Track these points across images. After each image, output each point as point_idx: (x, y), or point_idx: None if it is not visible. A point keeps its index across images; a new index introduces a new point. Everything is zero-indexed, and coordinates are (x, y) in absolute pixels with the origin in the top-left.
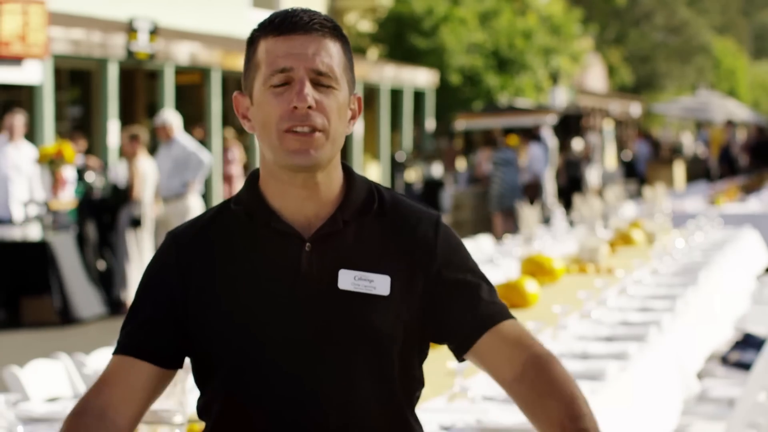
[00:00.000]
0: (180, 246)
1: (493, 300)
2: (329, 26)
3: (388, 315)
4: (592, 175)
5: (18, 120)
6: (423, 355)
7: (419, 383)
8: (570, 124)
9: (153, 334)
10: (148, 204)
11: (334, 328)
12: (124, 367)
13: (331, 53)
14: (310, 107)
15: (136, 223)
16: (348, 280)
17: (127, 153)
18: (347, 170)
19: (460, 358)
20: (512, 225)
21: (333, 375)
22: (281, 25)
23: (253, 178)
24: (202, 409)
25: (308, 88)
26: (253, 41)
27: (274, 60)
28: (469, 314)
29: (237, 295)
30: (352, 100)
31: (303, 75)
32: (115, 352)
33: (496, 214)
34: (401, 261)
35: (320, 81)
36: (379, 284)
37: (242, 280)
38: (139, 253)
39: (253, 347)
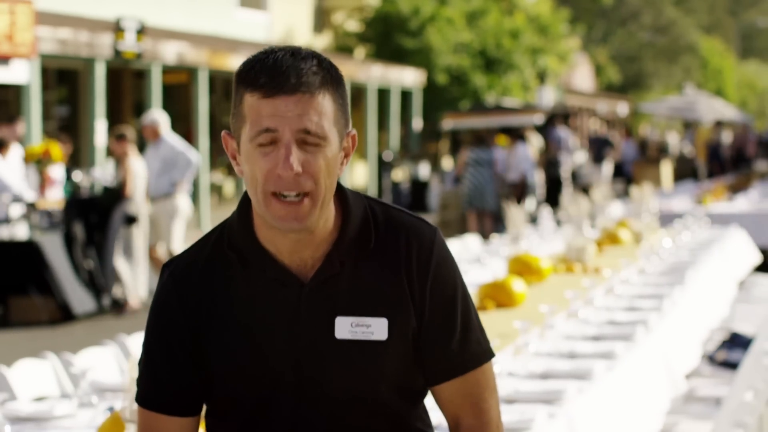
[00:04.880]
0: (178, 282)
1: (468, 344)
2: (319, 79)
3: (387, 359)
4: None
5: (20, 127)
6: (426, 391)
7: (427, 425)
8: (557, 124)
9: (172, 382)
10: (141, 202)
11: (334, 376)
12: (158, 426)
13: (320, 110)
14: (296, 173)
15: (131, 220)
16: (345, 327)
17: (116, 153)
18: (342, 195)
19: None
20: (488, 225)
21: (335, 422)
22: (266, 85)
23: (244, 210)
24: None
25: (294, 154)
26: (237, 90)
27: (259, 119)
28: (442, 356)
29: (236, 343)
30: (346, 139)
31: (289, 138)
32: (143, 405)
33: (468, 213)
34: (397, 297)
35: (307, 140)
36: (377, 329)
37: (241, 328)
38: (134, 251)
39: (253, 394)
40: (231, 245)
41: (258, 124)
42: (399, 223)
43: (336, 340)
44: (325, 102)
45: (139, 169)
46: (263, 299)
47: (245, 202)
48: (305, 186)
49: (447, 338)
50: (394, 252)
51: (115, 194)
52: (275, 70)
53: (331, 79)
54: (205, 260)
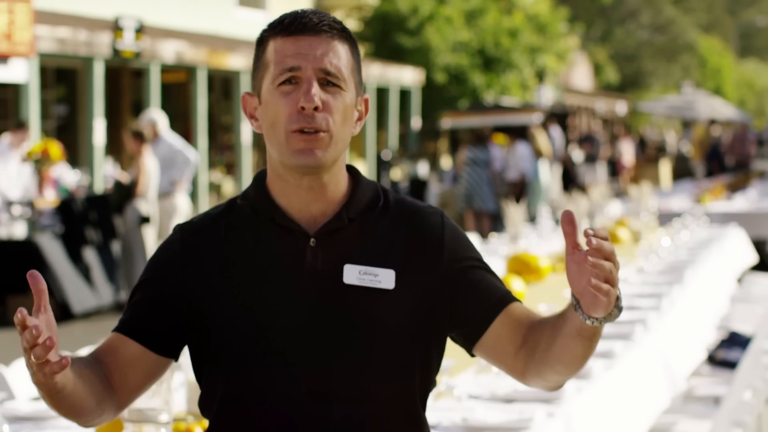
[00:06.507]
0: (186, 236)
1: (499, 284)
2: (338, 28)
3: (393, 309)
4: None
5: (26, 134)
6: (440, 352)
7: (432, 381)
8: (549, 124)
9: (147, 316)
10: (153, 200)
11: (340, 322)
12: (116, 343)
13: (339, 54)
14: (316, 108)
15: (144, 220)
16: (353, 274)
17: (131, 150)
18: (354, 172)
19: (472, 348)
20: (486, 224)
21: (338, 369)
22: (291, 25)
23: (260, 177)
24: (204, 405)
25: (315, 89)
26: (262, 41)
27: (283, 59)
28: (479, 300)
29: (241, 288)
30: (359, 101)
31: (311, 75)
32: (117, 330)
33: (465, 213)
34: (408, 256)
35: (328, 81)
36: (384, 278)
37: (247, 274)
38: (145, 250)
39: (256, 341)
40: (244, 197)
41: (282, 64)
42: (408, 199)
43: (343, 285)
44: (344, 51)
45: (153, 169)
46: (269, 246)
47: (261, 172)
48: (323, 124)
49: (483, 280)
50: (405, 214)
51: (127, 191)
52: (299, 15)
53: (349, 37)
54: (216, 214)
